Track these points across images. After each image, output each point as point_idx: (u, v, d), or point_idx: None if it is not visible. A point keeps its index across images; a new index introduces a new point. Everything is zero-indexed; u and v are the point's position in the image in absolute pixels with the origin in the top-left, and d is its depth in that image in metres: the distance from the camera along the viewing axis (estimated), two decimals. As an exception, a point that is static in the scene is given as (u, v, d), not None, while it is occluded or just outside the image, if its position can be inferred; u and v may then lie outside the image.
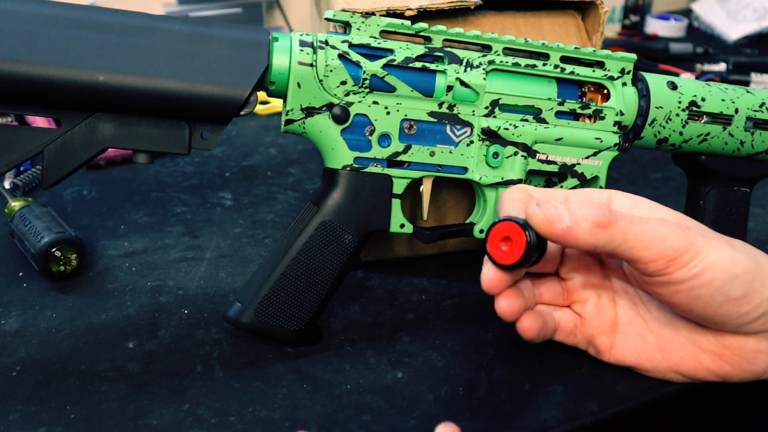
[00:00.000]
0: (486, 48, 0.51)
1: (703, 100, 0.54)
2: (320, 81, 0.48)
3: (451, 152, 0.51)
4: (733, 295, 0.41)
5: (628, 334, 0.47)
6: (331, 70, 0.48)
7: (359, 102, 0.49)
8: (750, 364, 0.44)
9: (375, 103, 0.49)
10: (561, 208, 0.41)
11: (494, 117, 0.51)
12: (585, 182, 0.54)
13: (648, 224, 0.41)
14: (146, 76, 0.43)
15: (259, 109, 0.94)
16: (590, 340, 0.48)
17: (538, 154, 0.53)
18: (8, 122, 0.73)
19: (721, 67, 1.16)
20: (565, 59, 0.53)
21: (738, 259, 0.41)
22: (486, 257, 0.43)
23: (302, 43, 0.47)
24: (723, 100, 0.55)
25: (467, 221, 0.55)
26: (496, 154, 0.51)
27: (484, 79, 0.50)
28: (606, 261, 0.49)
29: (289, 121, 0.48)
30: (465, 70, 0.50)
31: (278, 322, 0.48)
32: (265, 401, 0.46)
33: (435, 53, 0.50)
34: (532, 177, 0.54)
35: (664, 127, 0.54)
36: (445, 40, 0.51)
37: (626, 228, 0.40)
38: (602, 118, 0.53)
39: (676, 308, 0.43)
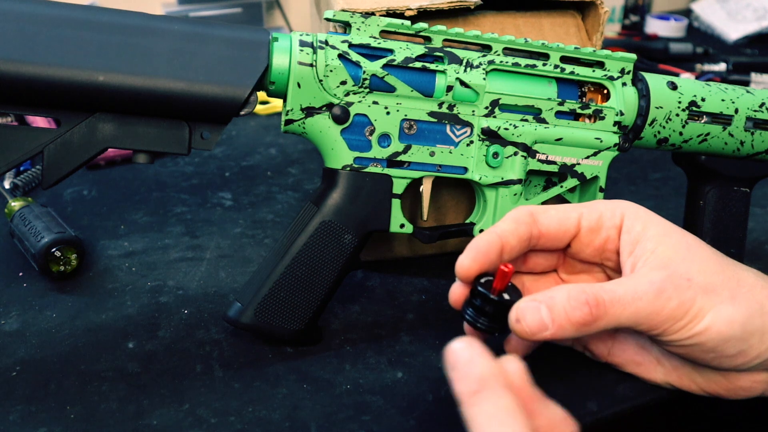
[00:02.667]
0: (486, 48, 0.51)
1: (703, 100, 0.54)
2: (320, 81, 0.48)
3: (451, 152, 0.51)
4: (727, 354, 0.41)
5: (628, 343, 0.47)
6: (331, 70, 0.48)
7: (359, 102, 0.49)
8: (746, 391, 0.44)
9: (375, 103, 0.49)
10: (544, 312, 0.39)
11: (494, 117, 0.51)
12: (585, 182, 0.54)
13: (643, 300, 0.40)
14: (146, 76, 0.43)
15: (259, 109, 0.94)
16: (585, 345, 0.48)
17: (538, 154, 0.52)
18: (8, 122, 0.73)
19: (721, 67, 1.16)
20: (565, 59, 0.53)
21: (736, 319, 0.40)
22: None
23: (302, 43, 0.47)
24: (723, 100, 0.55)
25: (467, 221, 0.55)
26: (496, 154, 0.51)
27: (484, 79, 0.50)
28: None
29: (289, 121, 0.48)
30: (465, 70, 0.50)
31: (278, 322, 0.48)
32: (265, 401, 0.46)
33: (435, 53, 0.50)
34: (532, 177, 0.54)
35: (664, 127, 0.54)
36: (445, 40, 0.51)
37: (618, 315, 0.40)
38: (602, 118, 0.53)
39: (670, 351, 0.43)
